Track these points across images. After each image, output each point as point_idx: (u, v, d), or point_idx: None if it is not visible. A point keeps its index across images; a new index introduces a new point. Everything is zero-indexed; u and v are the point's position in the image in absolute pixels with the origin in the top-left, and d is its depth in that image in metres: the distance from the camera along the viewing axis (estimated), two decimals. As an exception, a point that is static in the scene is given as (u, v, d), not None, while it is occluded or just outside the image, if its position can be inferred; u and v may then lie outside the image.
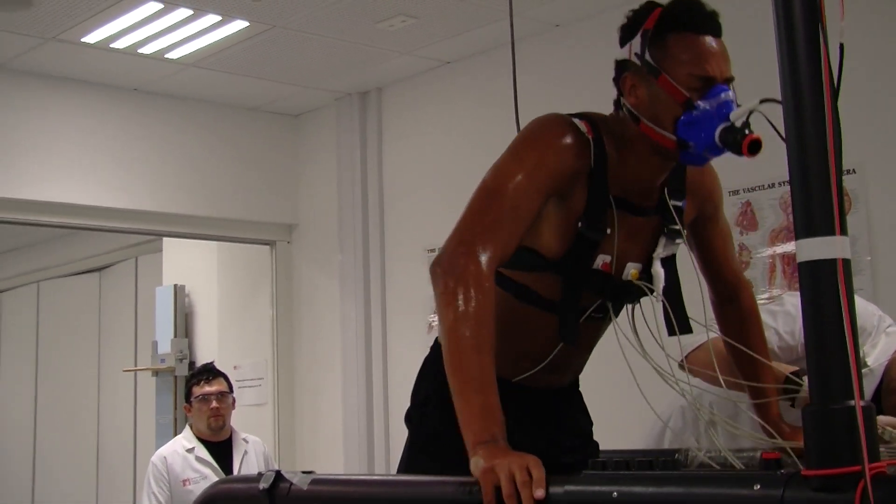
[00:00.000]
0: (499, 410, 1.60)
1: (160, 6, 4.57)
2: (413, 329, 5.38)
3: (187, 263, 6.53)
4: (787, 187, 1.32)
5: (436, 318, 4.64)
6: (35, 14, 4.56)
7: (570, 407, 2.17)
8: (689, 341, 2.17)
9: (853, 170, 3.82)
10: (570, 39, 4.87)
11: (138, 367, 7.02)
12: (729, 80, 1.80)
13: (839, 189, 1.27)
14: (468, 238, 1.75)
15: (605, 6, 4.49)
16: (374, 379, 5.58)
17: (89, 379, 7.98)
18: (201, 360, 5.99)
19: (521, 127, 1.92)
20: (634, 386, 1.93)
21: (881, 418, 1.87)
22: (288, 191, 6.17)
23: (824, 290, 1.26)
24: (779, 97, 1.33)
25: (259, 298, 6.21)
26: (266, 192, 6.07)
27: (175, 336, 6.33)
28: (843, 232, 1.26)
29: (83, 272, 8.20)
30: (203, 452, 4.35)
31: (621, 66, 1.87)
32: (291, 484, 1.70)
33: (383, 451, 5.48)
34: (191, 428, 4.44)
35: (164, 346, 6.35)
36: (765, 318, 2.23)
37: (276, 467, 3.72)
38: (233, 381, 4.60)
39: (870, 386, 2.23)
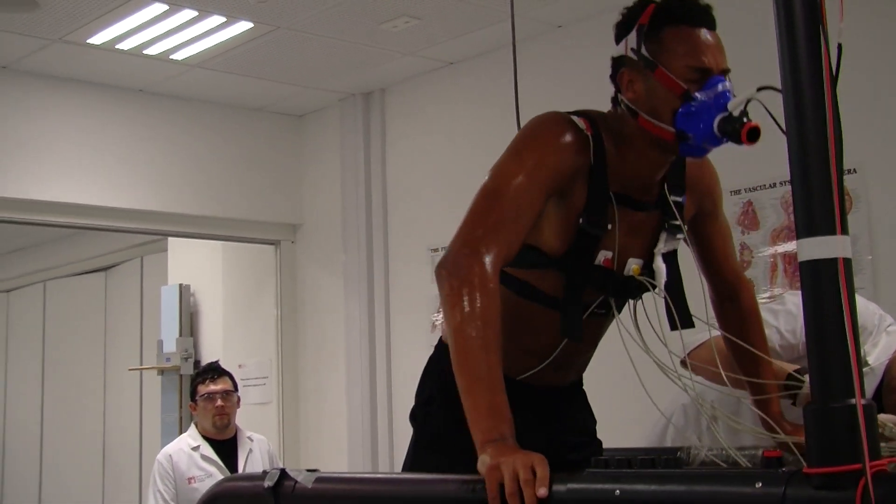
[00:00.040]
0: (507, 409, 1.60)
1: (165, 7, 4.58)
2: (417, 328, 5.38)
3: (192, 263, 6.54)
4: (788, 187, 1.33)
5: (439, 318, 4.66)
6: (41, 15, 4.57)
7: (574, 405, 2.17)
8: (692, 339, 2.18)
9: (854, 169, 3.82)
10: (571, 40, 4.86)
11: (144, 366, 7.02)
12: (725, 72, 1.81)
13: (840, 188, 1.27)
14: (472, 240, 1.75)
15: (606, 7, 4.46)
16: (377, 378, 5.59)
17: (95, 378, 7.99)
18: (206, 358, 5.99)
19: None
20: (637, 384, 1.93)
21: (882, 416, 1.87)
22: (292, 191, 6.17)
23: (825, 289, 1.26)
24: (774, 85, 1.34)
25: (263, 298, 6.23)
26: (270, 192, 6.08)
27: (180, 335, 6.34)
28: (844, 231, 1.27)
29: (89, 272, 8.21)
30: (208, 451, 4.36)
31: (618, 63, 1.88)
32: (296, 482, 1.71)
33: (387, 450, 5.49)
34: (196, 426, 4.45)
35: (170, 346, 6.37)
36: (766, 316, 2.23)
37: (281, 465, 3.73)
38: (238, 380, 4.61)
39: (871, 384, 2.23)
